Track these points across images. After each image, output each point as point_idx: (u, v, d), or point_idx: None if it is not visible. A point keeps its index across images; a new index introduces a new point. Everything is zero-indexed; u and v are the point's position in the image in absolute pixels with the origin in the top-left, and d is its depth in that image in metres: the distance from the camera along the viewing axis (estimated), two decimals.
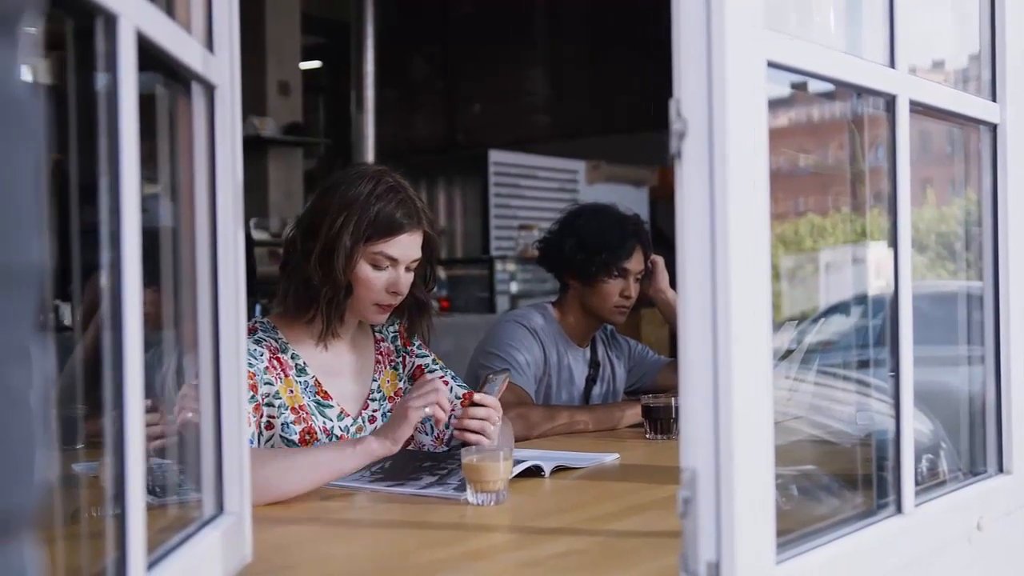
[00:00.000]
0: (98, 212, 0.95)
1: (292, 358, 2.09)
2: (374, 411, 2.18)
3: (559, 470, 2.06)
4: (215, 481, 1.29)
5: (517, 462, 1.92)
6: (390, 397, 2.22)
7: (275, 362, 2.05)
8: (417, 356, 2.29)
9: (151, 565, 1.02)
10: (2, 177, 0.47)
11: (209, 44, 1.27)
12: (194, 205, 1.27)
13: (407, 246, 2.08)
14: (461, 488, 1.80)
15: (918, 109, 1.47)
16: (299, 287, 2.08)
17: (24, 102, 0.49)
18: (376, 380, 2.21)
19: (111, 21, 0.93)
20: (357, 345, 2.21)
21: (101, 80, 0.95)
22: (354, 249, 2.04)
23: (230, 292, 1.29)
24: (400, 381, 2.25)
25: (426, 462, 2.04)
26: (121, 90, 0.94)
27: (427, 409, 1.88)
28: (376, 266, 2.07)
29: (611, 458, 2.23)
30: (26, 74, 0.52)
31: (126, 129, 0.95)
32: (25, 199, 0.49)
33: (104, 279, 0.95)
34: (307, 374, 2.09)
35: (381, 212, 2.04)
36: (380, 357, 2.24)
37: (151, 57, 1.04)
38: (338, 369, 2.15)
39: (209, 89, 1.26)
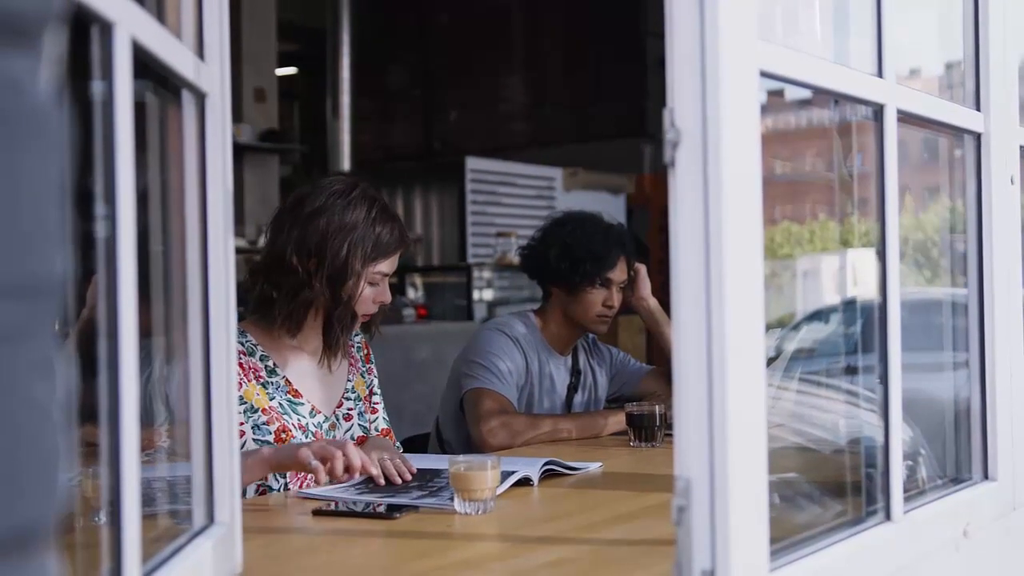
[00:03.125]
0: (91, 219, 0.94)
1: (261, 360, 2.15)
2: (349, 409, 2.28)
3: (547, 476, 2.05)
4: (205, 491, 1.28)
5: (505, 473, 1.91)
6: (364, 398, 2.33)
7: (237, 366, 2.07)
8: (373, 375, 2.39)
9: None
10: (28, 189, 0.47)
11: (200, 52, 1.26)
12: (184, 213, 1.26)
13: (396, 261, 2.22)
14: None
15: (904, 118, 1.48)
16: (300, 307, 2.13)
17: (48, 113, 0.49)
18: (351, 380, 2.31)
19: (107, 29, 0.92)
20: None
21: (96, 87, 0.94)
22: (362, 273, 2.15)
23: (221, 300, 1.28)
24: (367, 387, 2.36)
25: (414, 480, 2.03)
26: (117, 97, 0.93)
27: (313, 462, 1.83)
28: (372, 283, 2.19)
29: (595, 466, 2.23)
30: (46, 85, 0.51)
31: (121, 136, 0.94)
32: (50, 211, 0.49)
33: (97, 286, 0.94)
34: (278, 375, 2.16)
35: (383, 235, 2.17)
36: (353, 360, 2.34)
37: (143, 64, 1.03)
38: (310, 370, 2.23)
39: (200, 97, 1.26)
